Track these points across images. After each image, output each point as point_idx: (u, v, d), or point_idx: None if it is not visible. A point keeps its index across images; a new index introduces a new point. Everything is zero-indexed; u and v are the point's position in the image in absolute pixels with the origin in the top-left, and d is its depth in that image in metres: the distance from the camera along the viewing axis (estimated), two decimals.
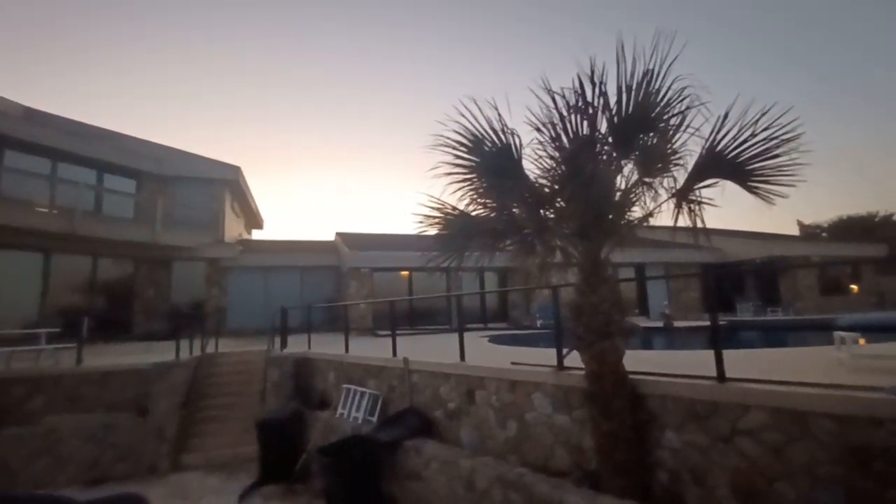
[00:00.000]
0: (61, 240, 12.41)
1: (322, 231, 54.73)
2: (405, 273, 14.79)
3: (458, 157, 3.55)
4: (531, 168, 3.58)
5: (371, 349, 7.89)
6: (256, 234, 24.14)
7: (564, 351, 4.13)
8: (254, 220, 23.48)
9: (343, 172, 54.72)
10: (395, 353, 6.16)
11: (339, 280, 16.49)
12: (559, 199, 3.42)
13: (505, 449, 4.52)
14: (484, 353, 6.33)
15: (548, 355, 5.04)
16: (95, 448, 7.04)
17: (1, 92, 13.90)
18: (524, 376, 4.38)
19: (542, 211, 3.43)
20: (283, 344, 9.20)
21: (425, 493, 4.75)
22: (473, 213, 3.81)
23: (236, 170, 16.89)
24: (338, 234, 17.35)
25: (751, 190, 3.24)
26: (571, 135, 3.19)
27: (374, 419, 5.86)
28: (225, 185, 16.80)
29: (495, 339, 8.63)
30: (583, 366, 3.63)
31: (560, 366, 4.14)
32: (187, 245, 14.98)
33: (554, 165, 3.33)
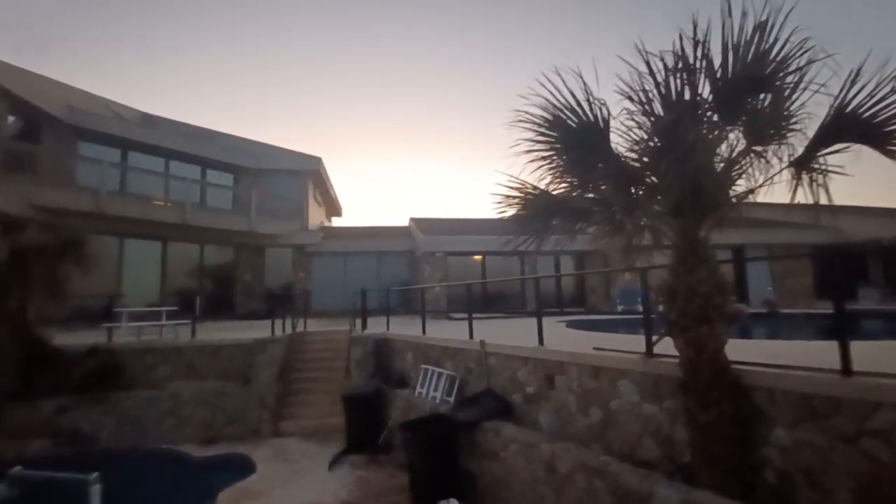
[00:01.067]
0: (175, 229, 14.05)
1: (397, 217, 56.61)
2: (478, 257, 14.83)
3: (539, 132, 3.42)
4: (619, 141, 3.35)
5: (447, 331, 8.04)
6: (336, 222, 25.55)
7: (654, 338, 3.89)
8: (333, 208, 24.83)
9: (418, 158, 55.84)
10: (471, 336, 6.22)
11: (413, 264, 16.97)
12: (651, 174, 3.17)
13: (587, 436, 4.40)
14: (563, 337, 6.17)
15: (631, 342, 4.79)
16: (209, 412, 7.99)
17: (121, 100, 15.92)
18: (608, 362, 4.20)
19: (631, 187, 3.21)
20: (364, 325, 9.68)
21: (503, 473, 4.79)
22: (555, 192, 3.67)
23: (318, 160, 17.91)
24: (412, 219, 17.80)
25: (892, 155, 2.76)
26: (668, 102, 2.92)
27: (452, 399, 5.99)
28: (308, 175, 17.92)
29: (573, 324, 8.39)
30: (675, 353, 3.40)
31: (649, 352, 3.91)
32: (277, 233, 16.27)
33: (646, 137, 3.08)
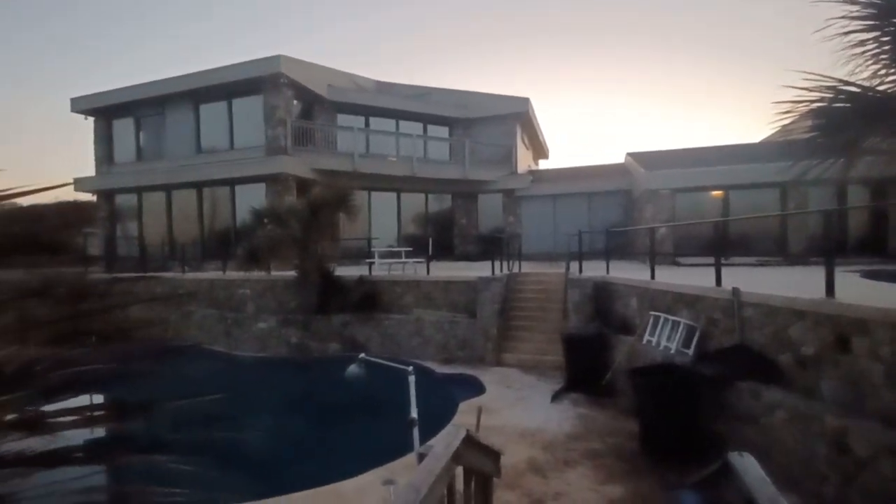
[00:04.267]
0: (405, 181, 16.24)
1: (606, 156, 53.03)
2: (717, 192, 12.43)
3: (861, 3, 2.41)
4: None
5: (677, 277, 7.16)
6: (542, 164, 25.23)
7: None
8: (540, 150, 24.52)
9: (631, 92, 50.33)
10: (719, 282, 5.34)
11: (628, 204, 15.54)
12: None
13: None
14: (859, 289, 4.72)
15: None
16: (444, 336, 9.28)
17: (360, 72, 18.64)
18: None
19: None
20: (580, 267, 9.46)
21: (763, 441, 4.11)
22: (882, 89, 2.61)
23: (525, 101, 17.68)
24: (629, 154, 16.05)
25: None
26: None
27: (690, 352, 5.36)
28: (516, 118, 17.94)
29: (871, 275, 6.32)
30: None
31: None
32: (488, 179, 17.10)
33: None
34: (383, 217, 16.96)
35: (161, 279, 12.89)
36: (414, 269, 11.45)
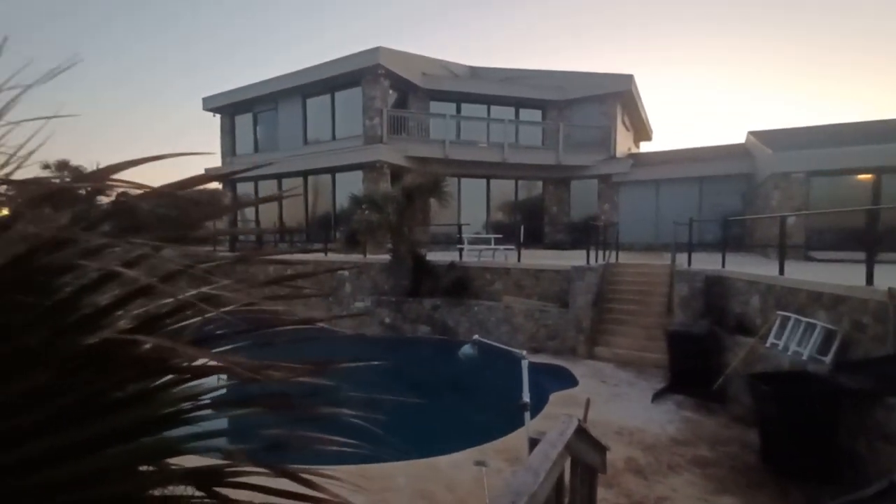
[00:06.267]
0: (495, 168, 16.08)
1: (718, 137, 47.95)
2: (864, 176, 10.46)
3: None
4: None
5: (813, 273, 6.24)
6: (644, 147, 23.36)
7: None
8: (643, 132, 22.74)
9: (748, 68, 44.74)
10: (870, 281, 4.54)
11: (749, 190, 13.80)
12: None
13: None
14: None
15: None
16: (533, 325, 9.13)
17: (451, 58, 18.68)
18: None
19: None
20: (689, 259, 8.68)
21: None
22: None
23: (628, 79, 16.44)
24: (751, 133, 14.17)
25: None
26: None
27: (827, 359, 4.65)
28: (616, 98, 16.77)
29: None
30: None
31: None
32: (582, 164, 16.29)
33: None
34: (472, 203, 16.98)
35: (274, 260, 14.29)
36: (504, 255, 11.37)
